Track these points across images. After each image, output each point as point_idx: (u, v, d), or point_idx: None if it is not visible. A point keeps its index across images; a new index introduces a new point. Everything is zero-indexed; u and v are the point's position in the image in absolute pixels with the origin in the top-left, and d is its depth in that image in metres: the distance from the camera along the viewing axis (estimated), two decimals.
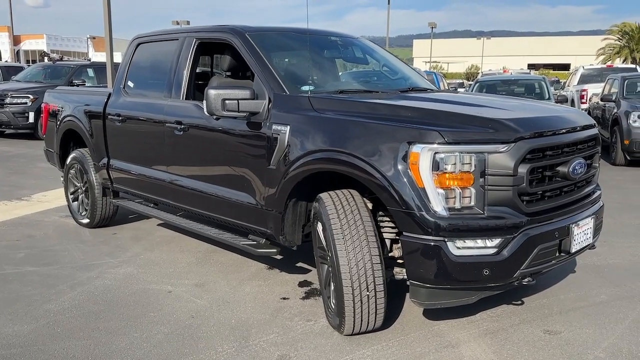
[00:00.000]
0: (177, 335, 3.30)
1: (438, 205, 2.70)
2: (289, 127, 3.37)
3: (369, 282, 2.92)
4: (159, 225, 5.92)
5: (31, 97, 12.43)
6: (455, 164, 2.70)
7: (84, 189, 5.81)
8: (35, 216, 6.36)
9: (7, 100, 12.43)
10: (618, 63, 33.75)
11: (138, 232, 5.69)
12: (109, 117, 5.08)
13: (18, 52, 40.43)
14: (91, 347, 3.15)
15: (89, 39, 48.76)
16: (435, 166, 2.71)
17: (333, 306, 3.20)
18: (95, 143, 5.39)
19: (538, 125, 3.02)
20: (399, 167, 2.78)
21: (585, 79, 16.40)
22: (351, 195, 3.12)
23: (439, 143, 2.71)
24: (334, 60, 4.65)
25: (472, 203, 2.74)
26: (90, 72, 14.46)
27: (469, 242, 2.75)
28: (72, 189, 6.03)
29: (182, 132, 4.21)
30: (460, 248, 2.73)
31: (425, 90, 4.34)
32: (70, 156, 5.90)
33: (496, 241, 2.76)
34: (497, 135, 2.77)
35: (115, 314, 3.62)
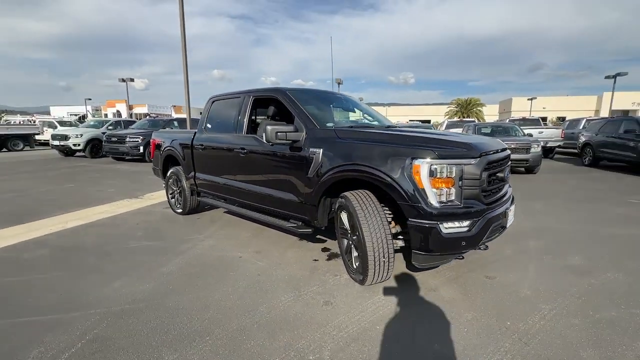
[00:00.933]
0: (252, 288, 2.84)
1: (433, 200, 2.35)
2: (321, 149, 2.95)
3: (384, 251, 2.54)
4: (224, 212, 5.34)
5: (141, 137, 12.27)
6: (443, 172, 2.39)
7: (178, 191, 5.17)
8: (147, 208, 5.72)
9: (127, 139, 12.36)
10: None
11: (212, 217, 5.11)
12: (195, 146, 4.51)
13: (131, 114, 41.25)
14: (194, 299, 2.64)
15: (171, 107, 50.48)
16: (431, 173, 2.36)
17: (355, 266, 2.79)
18: (186, 163, 4.78)
19: (488, 147, 2.69)
20: (406, 174, 2.43)
21: (449, 125, 16.23)
22: (366, 194, 2.71)
23: (432, 158, 2.38)
24: (338, 108, 4.15)
25: (453, 198, 2.43)
26: (175, 123, 13.77)
27: (452, 224, 2.42)
28: (170, 191, 5.39)
29: (244, 155, 3.67)
30: (447, 228, 2.40)
31: (396, 127, 3.89)
32: (170, 171, 5.28)
33: (468, 222, 2.44)
34: (469, 153, 2.46)
35: (207, 274, 3.12)
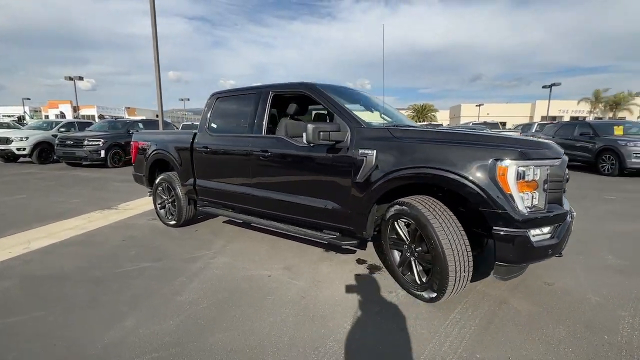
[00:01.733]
0: (304, 316, 2.34)
1: (521, 205, 2.07)
2: (374, 150, 2.54)
3: (465, 265, 2.20)
4: (223, 222, 4.69)
5: (102, 140, 10.80)
6: (530, 174, 2.11)
7: (170, 200, 4.44)
8: (128, 221, 4.83)
9: (85, 142, 10.71)
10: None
11: (212, 228, 4.44)
12: (197, 149, 3.87)
13: (77, 116, 37.18)
14: (241, 336, 2.08)
15: (125, 108, 46.38)
16: (518, 176, 2.05)
17: (422, 281, 2.43)
18: (183, 168, 4.09)
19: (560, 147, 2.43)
20: (489, 178, 2.08)
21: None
22: (434, 201, 2.37)
23: (519, 159, 2.09)
24: (368, 106, 3.75)
25: (537, 202, 2.15)
26: (141, 124, 12.45)
27: (538, 231, 2.17)
28: (159, 201, 4.62)
29: (266, 158, 3.15)
30: (534, 236, 2.14)
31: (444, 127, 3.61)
32: (159, 178, 4.51)
33: (551, 228, 2.20)
34: (553, 153, 2.21)
35: (240, 300, 2.55)
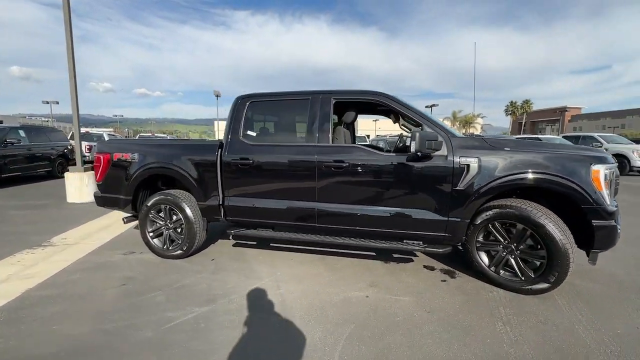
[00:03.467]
0: (444, 332, 2.21)
1: (609, 201, 2.49)
2: (476, 159, 2.65)
3: (572, 259, 2.48)
4: (234, 246, 3.98)
5: None
6: (609, 175, 2.61)
7: (172, 226, 3.52)
8: (93, 258, 3.58)
9: None
10: None
11: (231, 255, 3.70)
12: (230, 163, 3.23)
13: None
14: None
15: None
16: (605, 177, 2.50)
17: (532, 276, 2.66)
18: (204, 185, 3.34)
19: None
20: (587, 179, 2.48)
21: None
22: (533, 203, 2.66)
23: (605, 164, 2.58)
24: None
25: (611, 198, 2.62)
26: (22, 132, 9.34)
27: (615, 222, 2.56)
28: (152, 228, 3.60)
29: (342, 169, 2.90)
30: (618, 225, 2.58)
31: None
32: (154, 199, 3.52)
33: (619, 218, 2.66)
34: (613, 159, 2.72)
35: (361, 329, 2.22)
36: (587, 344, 2.04)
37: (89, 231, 4.73)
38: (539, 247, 2.57)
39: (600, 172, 2.49)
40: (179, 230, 3.56)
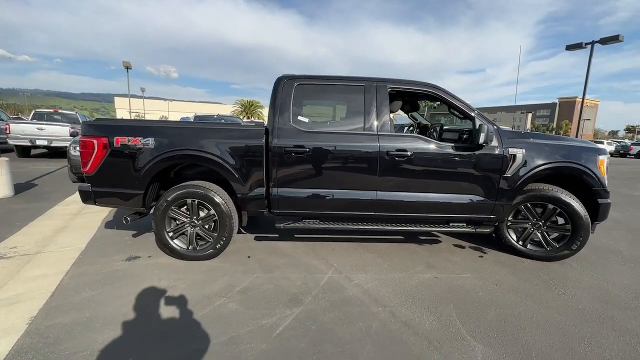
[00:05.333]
0: (524, 299, 2.56)
1: (606, 183, 3.14)
2: (522, 149, 3.04)
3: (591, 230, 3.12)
4: (257, 240, 3.66)
5: None
6: (607, 164, 3.24)
7: (200, 222, 3.03)
8: (87, 269, 2.85)
9: None
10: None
11: (263, 250, 3.37)
12: (282, 150, 2.92)
13: None
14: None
15: None
16: (605, 165, 3.15)
17: (557, 246, 3.22)
18: (244, 175, 2.95)
19: None
20: (597, 166, 3.10)
21: None
22: (556, 187, 3.18)
23: (606, 155, 3.22)
24: None
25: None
26: None
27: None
28: (170, 227, 3.03)
29: (404, 159, 2.96)
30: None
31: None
32: (176, 193, 2.95)
33: None
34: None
35: (463, 307, 2.42)
36: (617, 294, 2.64)
37: (41, 235, 3.69)
38: (564, 222, 3.14)
39: (605, 160, 3.15)
40: (206, 227, 3.09)
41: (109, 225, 4.23)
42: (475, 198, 3.09)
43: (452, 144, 3.02)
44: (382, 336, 2.02)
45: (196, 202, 3.01)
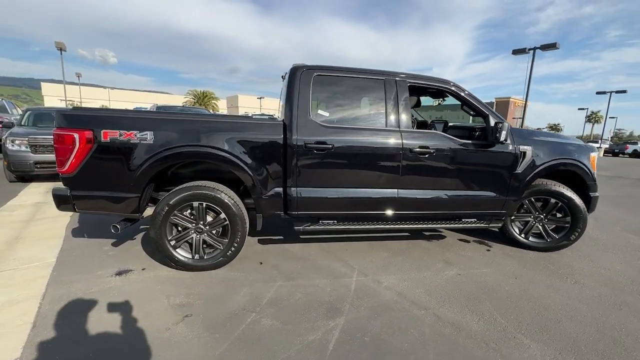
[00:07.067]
0: (545, 291, 2.67)
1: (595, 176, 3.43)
2: (530, 147, 3.17)
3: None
4: (262, 243, 3.39)
5: None
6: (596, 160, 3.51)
7: (206, 227, 2.69)
8: (71, 289, 2.39)
9: None
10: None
11: (275, 255, 3.10)
12: (303, 146, 2.67)
13: None
14: None
15: None
16: (595, 162, 3.43)
17: (557, 237, 3.44)
18: (259, 173, 2.66)
19: None
20: (589, 163, 3.36)
21: None
22: (557, 182, 3.38)
23: (596, 152, 3.51)
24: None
25: None
26: None
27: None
28: (172, 235, 2.64)
29: (424, 156, 2.90)
30: None
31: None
32: (180, 195, 2.56)
33: None
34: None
35: (499, 303, 2.44)
36: (617, 280, 2.88)
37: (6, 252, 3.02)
38: (564, 215, 3.35)
39: (595, 157, 3.42)
40: (214, 232, 2.75)
41: (76, 233, 3.61)
42: (490, 194, 3.15)
43: (470, 141, 3.04)
44: (439, 342, 1.93)
45: (204, 205, 2.65)
